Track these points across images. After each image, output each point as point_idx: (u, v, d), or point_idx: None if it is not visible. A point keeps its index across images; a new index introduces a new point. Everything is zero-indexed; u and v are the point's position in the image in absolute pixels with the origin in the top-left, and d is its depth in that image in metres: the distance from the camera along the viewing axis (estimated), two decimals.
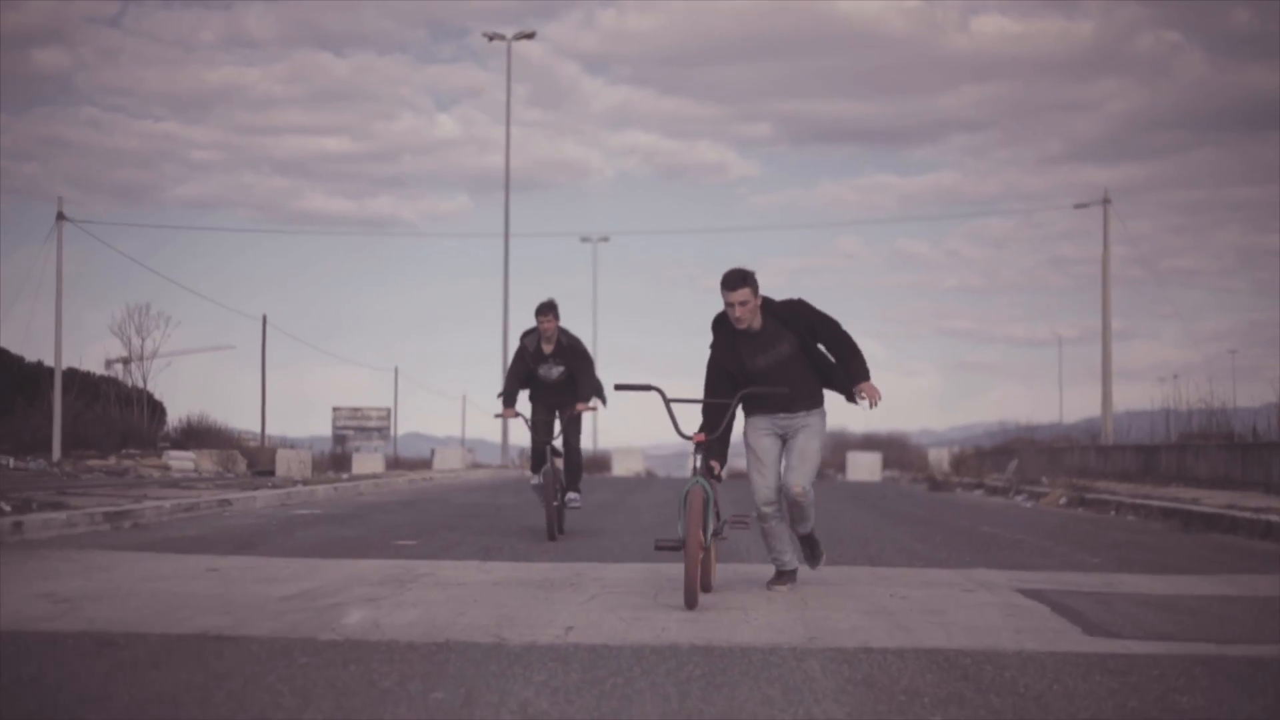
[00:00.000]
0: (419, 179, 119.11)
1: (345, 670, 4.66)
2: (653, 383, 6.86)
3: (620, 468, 47.21)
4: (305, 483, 19.64)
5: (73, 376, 39.47)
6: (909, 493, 25.91)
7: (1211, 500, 15.65)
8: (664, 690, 4.40)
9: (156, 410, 43.56)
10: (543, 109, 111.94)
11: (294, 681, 4.43)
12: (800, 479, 7.00)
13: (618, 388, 6.83)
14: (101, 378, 43.36)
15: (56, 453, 34.71)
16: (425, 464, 50.95)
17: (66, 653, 4.93)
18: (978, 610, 6.62)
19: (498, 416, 11.00)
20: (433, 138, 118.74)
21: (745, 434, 7.19)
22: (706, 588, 6.73)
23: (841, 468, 46.56)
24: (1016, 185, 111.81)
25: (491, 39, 42.47)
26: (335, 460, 50.00)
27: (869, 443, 53.30)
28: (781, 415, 7.12)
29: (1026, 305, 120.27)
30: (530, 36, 42.50)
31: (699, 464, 6.65)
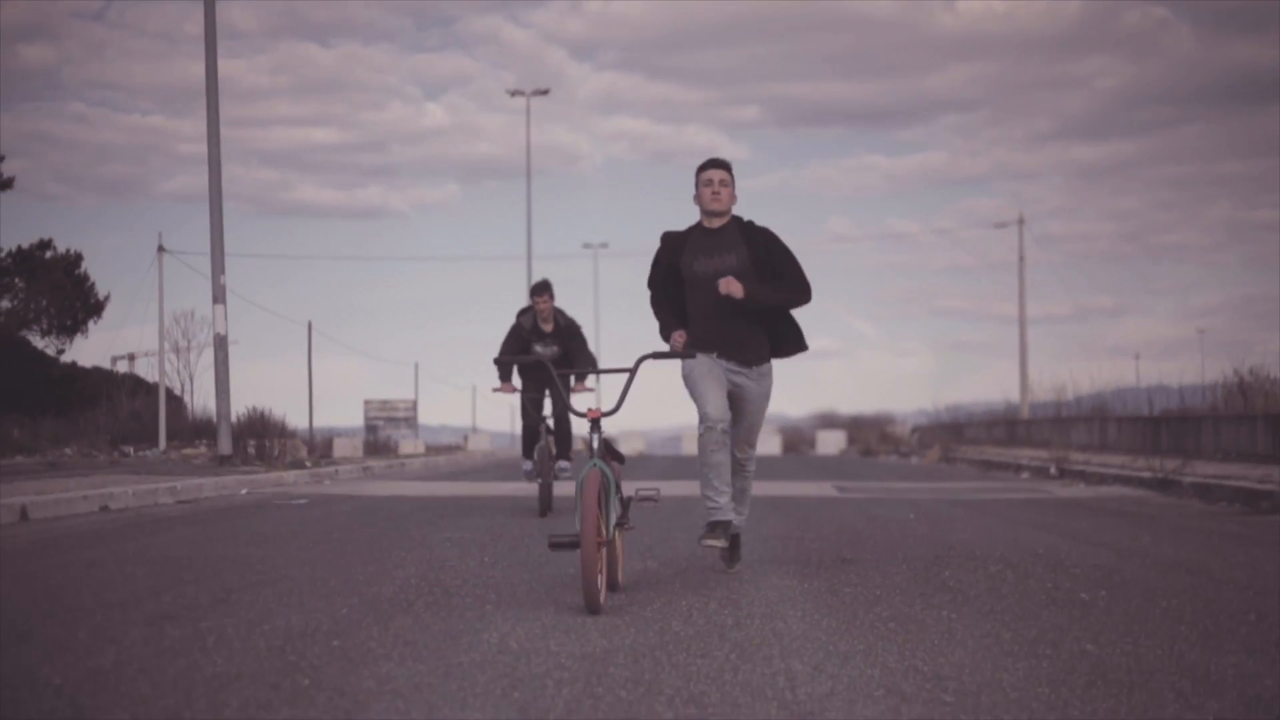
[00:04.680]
0: (408, 168, 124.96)
1: None
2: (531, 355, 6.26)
3: (623, 448, 56.28)
4: (425, 456, 28.70)
5: (108, 376, 44.35)
6: (846, 459, 35.10)
7: (1015, 455, 24.77)
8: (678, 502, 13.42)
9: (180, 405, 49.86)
10: (530, 95, 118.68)
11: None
12: (749, 448, 6.77)
13: (497, 361, 6.13)
14: (124, 375, 47.11)
15: (162, 444, 43.35)
16: (458, 447, 59.83)
17: (458, 500, 13.88)
18: (803, 489, 15.71)
19: (495, 390, 10.95)
20: (421, 126, 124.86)
21: (685, 373, 6.54)
22: (614, 586, 6.01)
23: (813, 444, 55.59)
24: (1006, 164, 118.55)
25: (513, 95, 51.35)
26: (375, 447, 58.83)
27: (854, 423, 61.62)
28: (732, 365, 6.52)
29: (1017, 282, 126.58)
30: (545, 93, 51.39)
31: (596, 445, 5.84)
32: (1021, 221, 50.76)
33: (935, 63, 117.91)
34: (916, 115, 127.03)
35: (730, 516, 6.45)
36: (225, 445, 17.93)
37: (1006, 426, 33.51)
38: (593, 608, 5.28)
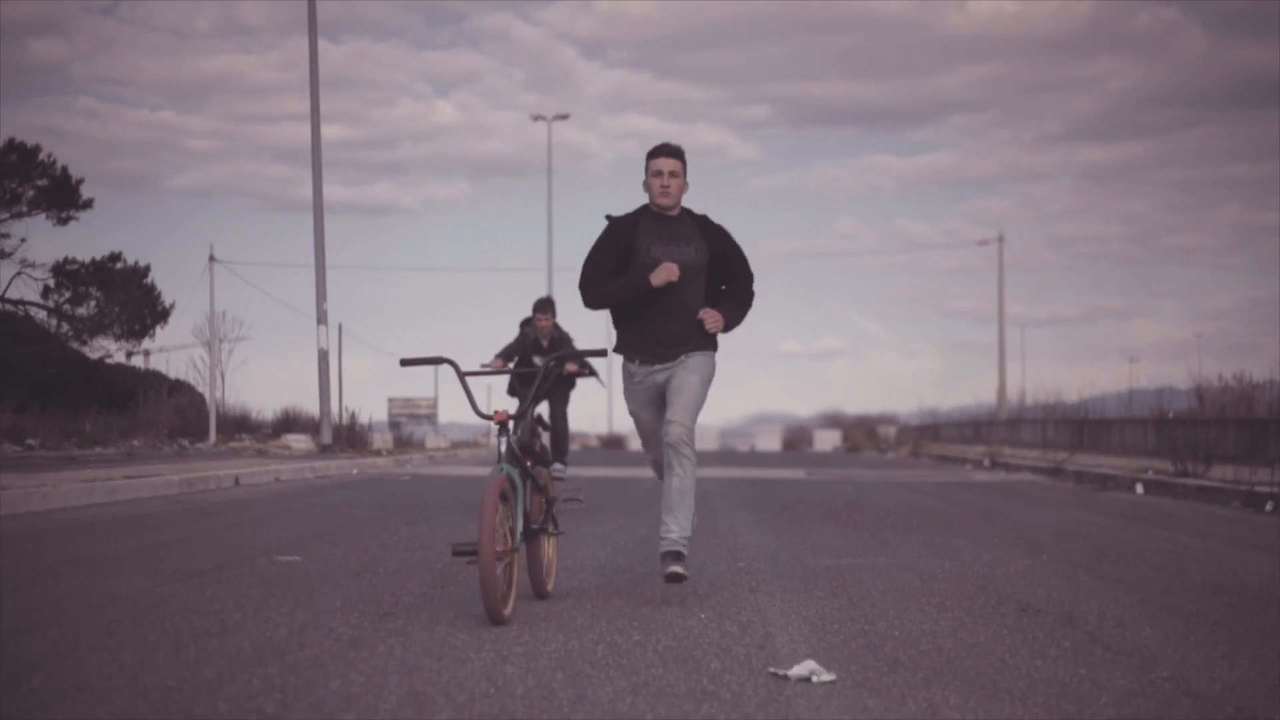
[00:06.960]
0: (418, 165, 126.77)
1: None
2: (446, 355, 6.02)
3: (631, 444, 60.86)
4: (468, 448, 33.42)
5: (131, 371, 47.40)
6: (834, 454, 39.77)
7: (966, 450, 29.42)
8: None
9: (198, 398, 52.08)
10: (540, 93, 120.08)
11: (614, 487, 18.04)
12: (679, 415, 5.96)
13: (403, 363, 5.93)
14: (145, 371, 50.88)
15: (212, 438, 48.06)
16: (477, 443, 64.49)
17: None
18: (780, 473, 20.36)
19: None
20: (431, 124, 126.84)
21: (626, 400, 6.26)
22: (541, 594, 5.93)
23: (811, 442, 60.27)
24: (1015, 165, 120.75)
25: (535, 119, 55.94)
26: (401, 441, 63.58)
27: (858, 422, 65.70)
28: (659, 367, 6.11)
29: (1026, 284, 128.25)
30: (565, 118, 55.98)
31: (503, 448, 5.56)
32: (1001, 239, 55.25)
33: (945, 63, 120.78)
34: (926, 116, 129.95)
35: (680, 548, 5.91)
36: (327, 436, 22.57)
37: (974, 427, 38.19)
38: (494, 618, 5.09)
